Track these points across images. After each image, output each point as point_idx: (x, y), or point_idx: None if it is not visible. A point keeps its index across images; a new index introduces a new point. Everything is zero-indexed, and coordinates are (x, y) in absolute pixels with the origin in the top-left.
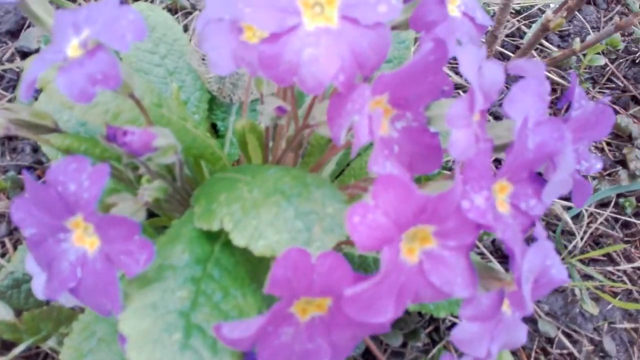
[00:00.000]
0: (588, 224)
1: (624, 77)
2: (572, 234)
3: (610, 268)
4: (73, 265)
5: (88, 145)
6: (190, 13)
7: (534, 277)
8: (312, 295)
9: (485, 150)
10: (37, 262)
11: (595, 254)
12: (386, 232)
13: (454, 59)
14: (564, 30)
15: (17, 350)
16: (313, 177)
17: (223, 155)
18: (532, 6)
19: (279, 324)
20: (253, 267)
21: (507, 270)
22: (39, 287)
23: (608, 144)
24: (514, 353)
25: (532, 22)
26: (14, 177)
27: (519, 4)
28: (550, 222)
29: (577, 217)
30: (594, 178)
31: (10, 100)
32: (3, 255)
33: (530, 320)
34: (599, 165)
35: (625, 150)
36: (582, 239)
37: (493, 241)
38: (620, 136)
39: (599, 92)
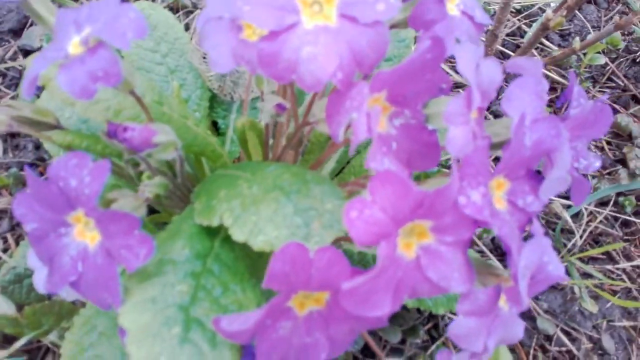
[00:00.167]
0: (588, 222)
1: (624, 76)
2: (571, 232)
3: (609, 266)
4: (74, 259)
5: (89, 142)
6: (192, 12)
7: (530, 273)
8: (310, 290)
9: (482, 147)
10: (38, 257)
11: (595, 252)
12: (383, 227)
13: (454, 57)
14: (564, 29)
15: (18, 344)
16: (312, 174)
17: (224, 152)
18: (533, 5)
19: (277, 318)
20: (252, 262)
21: (506, 267)
22: (40, 282)
23: (608, 142)
24: (512, 350)
25: (533, 21)
26: (16, 174)
27: (520, 3)
28: (550, 220)
29: (576, 216)
30: (593, 177)
31: (12, 98)
32: (5, 250)
33: (529, 318)
34: (597, 164)
35: (625, 149)
36: (581, 237)
37: (492, 239)
38: (620, 135)
39: (599, 91)
